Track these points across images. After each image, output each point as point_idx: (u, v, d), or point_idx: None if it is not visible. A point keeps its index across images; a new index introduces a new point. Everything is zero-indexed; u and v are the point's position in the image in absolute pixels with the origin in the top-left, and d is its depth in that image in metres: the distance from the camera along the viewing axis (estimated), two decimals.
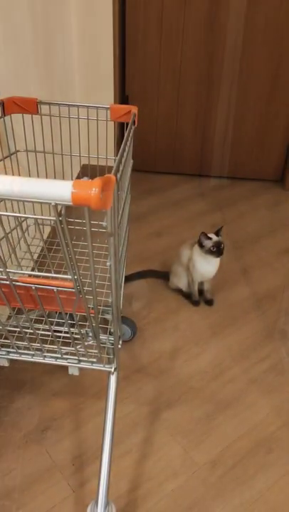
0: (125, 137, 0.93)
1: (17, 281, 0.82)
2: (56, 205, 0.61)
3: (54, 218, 0.64)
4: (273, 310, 1.74)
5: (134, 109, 1.13)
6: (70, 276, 0.78)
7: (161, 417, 1.35)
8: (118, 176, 0.74)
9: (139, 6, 2.21)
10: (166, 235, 2.13)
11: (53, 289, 0.83)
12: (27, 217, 1.33)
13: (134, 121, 1.12)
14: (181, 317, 1.70)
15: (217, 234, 1.60)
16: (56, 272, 0.82)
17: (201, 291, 1.77)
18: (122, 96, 2.48)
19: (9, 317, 1.46)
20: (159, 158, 2.65)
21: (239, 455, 1.27)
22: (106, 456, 1.04)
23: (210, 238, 1.57)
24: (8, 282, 0.82)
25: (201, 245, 1.58)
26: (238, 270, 1.94)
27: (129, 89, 2.45)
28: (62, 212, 0.64)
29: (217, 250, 1.56)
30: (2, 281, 0.83)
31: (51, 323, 0.95)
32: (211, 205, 2.37)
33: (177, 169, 2.67)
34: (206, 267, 1.63)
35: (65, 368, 1.09)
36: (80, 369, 1.08)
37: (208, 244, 1.57)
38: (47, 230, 1.70)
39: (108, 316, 1.37)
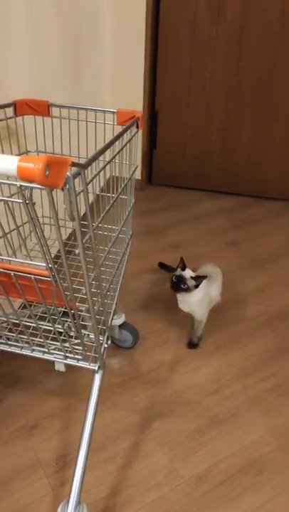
0: (117, 135, 0.94)
1: None
2: (21, 186, 0.63)
3: (21, 201, 0.66)
4: (283, 329, 1.69)
5: (139, 114, 1.15)
6: (45, 264, 0.79)
7: (152, 425, 1.33)
8: (91, 171, 0.76)
9: (172, 22, 2.26)
10: (182, 248, 2.12)
11: (31, 278, 0.84)
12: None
13: (137, 125, 1.14)
14: (186, 330, 1.67)
15: (183, 268, 1.50)
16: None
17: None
18: (153, 110, 2.52)
19: None
20: (187, 174, 2.66)
21: (227, 473, 1.22)
22: (82, 454, 1.03)
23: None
24: None
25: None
26: (252, 287, 1.90)
27: (159, 105, 2.49)
28: (29, 195, 0.66)
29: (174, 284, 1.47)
30: None
31: (35, 316, 0.97)
32: (232, 222, 2.34)
33: (203, 185, 2.67)
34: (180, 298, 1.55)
35: None
36: (78, 370, 1.08)
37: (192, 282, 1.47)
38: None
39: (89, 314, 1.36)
